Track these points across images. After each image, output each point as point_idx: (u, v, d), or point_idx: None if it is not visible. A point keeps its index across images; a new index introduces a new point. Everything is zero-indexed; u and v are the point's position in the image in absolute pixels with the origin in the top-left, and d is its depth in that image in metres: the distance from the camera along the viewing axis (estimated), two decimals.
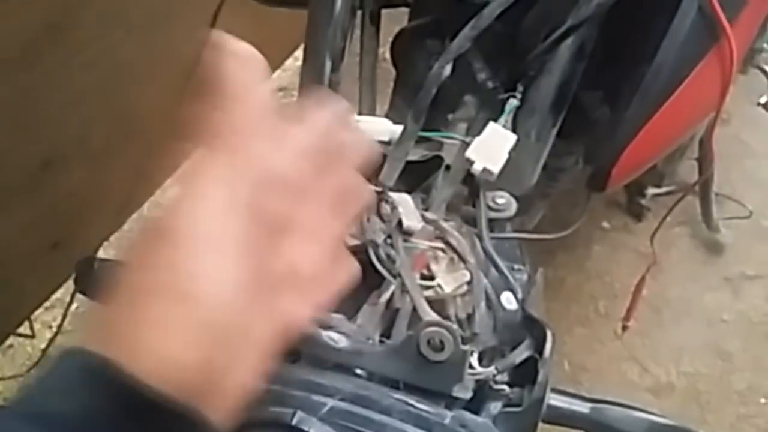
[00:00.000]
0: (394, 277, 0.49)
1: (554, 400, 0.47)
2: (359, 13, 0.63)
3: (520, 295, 0.55)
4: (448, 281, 0.51)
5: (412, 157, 0.56)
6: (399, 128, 0.54)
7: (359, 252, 0.49)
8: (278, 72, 1.50)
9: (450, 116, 0.65)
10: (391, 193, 0.53)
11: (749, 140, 1.45)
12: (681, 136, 0.69)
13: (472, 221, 0.59)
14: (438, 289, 0.50)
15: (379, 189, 0.53)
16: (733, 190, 1.34)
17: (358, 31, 0.65)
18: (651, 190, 1.27)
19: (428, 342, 0.45)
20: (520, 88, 0.60)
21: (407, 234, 0.52)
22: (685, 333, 1.24)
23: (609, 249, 1.33)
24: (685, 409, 1.17)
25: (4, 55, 0.87)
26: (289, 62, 1.49)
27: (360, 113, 0.64)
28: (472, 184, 0.59)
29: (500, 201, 0.61)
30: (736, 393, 1.19)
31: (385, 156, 0.54)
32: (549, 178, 0.81)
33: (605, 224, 1.36)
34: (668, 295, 1.27)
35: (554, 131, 0.65)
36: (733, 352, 1.23)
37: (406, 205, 0.53)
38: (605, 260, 1.32)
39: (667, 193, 1.29)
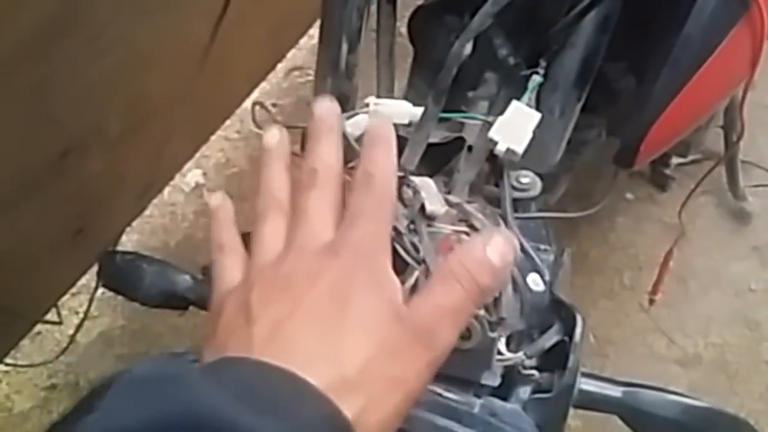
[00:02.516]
0: (419, 263, 0.48)
1: (585, 384, 0.46)
2: None
3: (547, 277, 0.54)
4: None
5: (433, 140, 0.55)
6: (419, 110, 0.53)
7: None
8: (293, 51, 1.48)
9: (471, 94, 0.64)
10: (412, 177, 0.52)
11: None
12: (711, 109, 0.67)
13: (495, 201, 0.58)
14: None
15: (400, 173, 0.52)
16: (759, 157, 1.32)
17: (374, 9, 0.63)
18: (675, 160, 1.25)
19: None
20: (543, 63, 0.59)
21: (430, 218, 0.51)
22: (712, 303, 1.23)
23: (633, 220, 1.31)
24: (713, 380, 1.16)
25: (18, 46, 0.87)
26: (303, 41, 1.48)
27: (378, 94, 0.63)
28: (495, 163, 0.58)
29: (524, 180, 0.59)
30: (764, 363, 1.18)
31: (405, 139, 0.53)
32: (571, 151, 0.79)
33: (629, 195, 1.34)
34: (694, 265, 1.25)
35: (579, 106, 0.64)
36: (762, 321, 1.21)
37: (428, 189, 0.52)
38: (629, 232, 1.30)
39: (692, 162, 1.26)
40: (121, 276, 0.51)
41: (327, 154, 0.36)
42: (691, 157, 1.25)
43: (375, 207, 0.34)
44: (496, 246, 0.33)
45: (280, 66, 1.49)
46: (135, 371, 0.27)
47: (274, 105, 1.50)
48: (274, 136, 0.39)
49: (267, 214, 0.36)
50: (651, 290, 1.04)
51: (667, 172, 1.29)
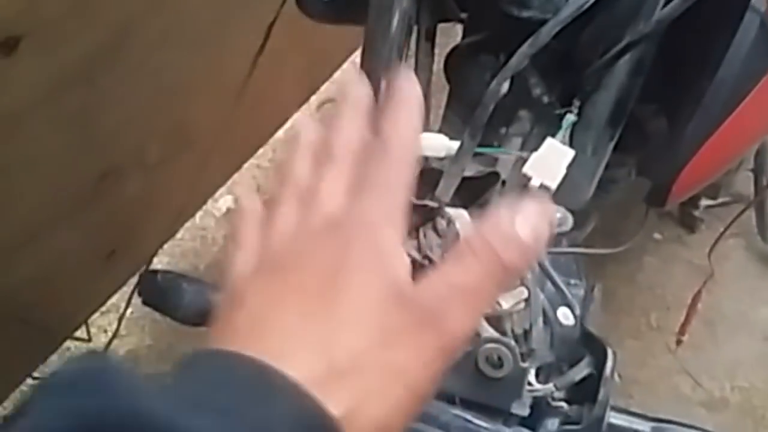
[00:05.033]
0: None
1: (614, 418, 0.47)
2: (415, 29, 0.64)
3: (577, 311, 0.55)
4: (506, 297, 0.51)
5: (468, 173, 0.56)
6: (455, 144, 0.54)
7: (416, 266, 0.49)
8: (326, 84, 1.51)
9: (504, 131, 0.66)
10: (447, 209, 0.54)
11: None
12: (742, 152, 0.67)
13: None
14: (496, 306, 0.50)
15: (435, 204, 0.53)
16: None
17: (413, 46, 0.66)
18: (705, 202, 1.25)
19: (486, 358, 0.45)
20: (577, 103, 0.60)
21: None
22: (739, 347, 1.22)
23: (661, 261, 1.31)
24: (739, 424, 1.15)
25: (66, 71, 0.91)
26: (337, 74, 1.51)
27: None
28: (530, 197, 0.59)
29: (557, 215, 0.61)
30: None
31: (441, 172, 0.55)
32: (601, 189, 0.80)
33: (657, 235, 1.34)
34: (722, 308, 1.24)
35: (611, 145, 0.65)
36: None
37: (462, 220, 0.53)
38: (657, 272, 1.30)
39: (722, 204, 1.26)
40: (162, 294, 0.53)
41: (346, 131, 0.33)
42: (720, 200, 1.25)
43: (388, 175, 0.30)
44: (528, 217, 0.27)
45: (313, 98, 1.52)
46: (63, 371, 0.23)
47: None
48: (305, 125, 0.35)
49: (283, 200, 0.32)
50: (678, 331, 1.04)
51: (696, 213, 1.29)
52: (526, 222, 0.27)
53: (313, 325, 0.26)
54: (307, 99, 1.51)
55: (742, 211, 0.80)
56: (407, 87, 0.33)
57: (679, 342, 1.10)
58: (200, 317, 0.52)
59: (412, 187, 0.30)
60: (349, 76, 0.35)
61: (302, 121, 0.36)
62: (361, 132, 0.32)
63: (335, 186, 0.31)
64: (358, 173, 0.31)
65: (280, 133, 1.46)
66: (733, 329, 1.23)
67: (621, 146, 0.68)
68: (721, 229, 1.11)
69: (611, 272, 1.26)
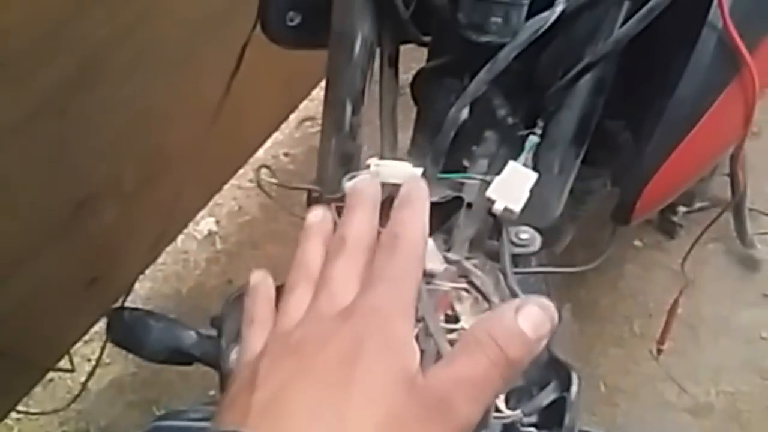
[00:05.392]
0: (418, 320, 0.49)
1: None
2: (378, 52, 0.64)
3: None
4: (469, 322, 0.51)
5: (432, 198, 0.56)
6: (419, 170, 0.55)
7: None
8: (305, 102, 1.52)
9: (472, 150, 0.66)
10: None
11: None
12: (706, 166, 0.68)
13: (496, 256, 0.59)
14: (462, 332, 0.50)
15: None
16: (766, 205, 1.32)
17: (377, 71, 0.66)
18: (683, 208, 1.26)
19: None
20: (541, 123, 0.61)
21: (430, 276, 0.52)
22: (722, 351, 1.22)
23: (642, 268, 1.32)
24: (725, 429, 1.15)
25: (37, 102, 0.90)
26: (315, 92, 1.51)
27: (382, 153, 0.65)
28: (496, 219, 0.59)
29: (524, 236, 0.61)
30: None
31: None
32: (577, 200, 0.81)
33: (637, 242, 1.35)
34: (704, 313, 1.25)
35: (577, 162, 0.65)
36: None
37: (427, 246, 0.53)
38: (638, 279, 1.30)
39: (700, 210, 1.27)
40: (129, 332, 0.53)
41: (359, 222, 0.35)
42: (698, 205, 1.26)
43: (397, 269, 0.32)
44: (530, 315, 0.30)
45: (292, 116, 1.52)
46: None
47: (286, 154, 1.53)
48: (317, 215, 0.38)
49: (296, 285, 0.34)
50: (658, 340, 1.04)
51: (675, 219, 1.30)
52: (528, 318, 0.30)
53: (327, 410, 0.27)
54: (286, 117, 1.51)
55: (715, 219, 0.81)
56: (416, 188, 0.37)
57: (659, 351, 1.10)
58: (167, 355, 0.52)
59: (421, 280, 0.34)
60: (362, 176, 0.39)
61: (315, 211, 0.38)
62: (372, 226, 0.35)
63: (347, 275, 0.33)
64: (369, 265, 0.33)
65: (260, 152, 1.46)
66: (715, 334, 1.24)
67: (593, 160, 0.68)
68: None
69: (593, 281, 1.27)
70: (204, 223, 1.41)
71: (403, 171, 0.55)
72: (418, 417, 0.28)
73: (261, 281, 0.38)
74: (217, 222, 1.43)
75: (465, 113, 0.54)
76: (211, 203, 1.39)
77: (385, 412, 0.28)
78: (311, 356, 0.29)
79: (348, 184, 0.42)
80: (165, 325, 0.52)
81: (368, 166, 0.55)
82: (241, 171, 1.43)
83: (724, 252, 1.32)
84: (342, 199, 0.53)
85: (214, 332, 0.51)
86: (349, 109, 0.60)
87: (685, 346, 1.21)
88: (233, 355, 0.54)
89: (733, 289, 1.29)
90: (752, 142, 1.34)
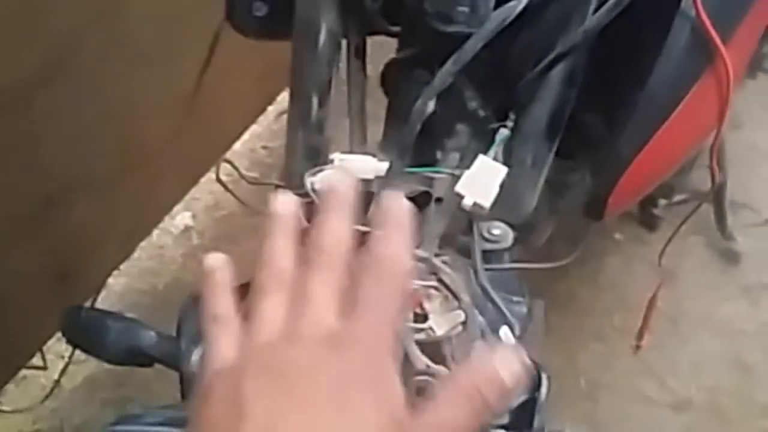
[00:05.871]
0: None
1: None
2: (344, 44, 0.63)
3: (517, 330, 0.54)
4: (440, 323, 0.49)
5: None
6: (384, 165, 0.53)
7: None
8: (283, 94, 1.49)
9: (443, 144, 0.64)
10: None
11: (763, 145, 1.42)
12: (679, 160, 0.67)
13: (467, 252, 0.58)
14: (430, 332, 0.49)
15: (366, 228, 0.52)
16: (747, 197, 1.32)
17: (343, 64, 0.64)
18: (663, 201, 1.25)
19: (418, 391, 0.44)
20: (512, 116, 0.59)
21: None
22: (703, 346, 1.22)
23: (622, 261, 1.31)
24: (706, 424, 1.15)
25: (4, 95, 0.88)
26: None
27: (351, 147, 0.63)
28: (467, 215, 0.58)
29: (496, 232, 0.59)
30: (758, 406, 1.16)
31: (372, 194, 0.53)
32: (555, 194, 0.79)
33: (618, 235, 1.34)
34: (684, 306, 1.24)
35: (550, 156, 0.64)
36: (754, 364, 1.20)
37: None
38: (619, 273, 1.29)
39: (680, 202, 1.26)
40: (86, 333, 0.51)
41: (337, 231, 0.34)
42: (678, 197, 1.25)
43: (383, 297, 0.32)
44: (509, 365, 0.31)
45: (270, 108, 1.50)
46: None
47: (264, 147, 1.51)
48: (286, 204, 0.36)
49: (267, 289, 0.33)
50: (637, 335, 1.03)
51: (656, 212, 1.29)
52: (505, 366, 0.31)
53: None
54: (263, 110, 1.49)
55: (695, 208, 0.80)
56: (397, 205, 0.34)
57: (638, 347, 1.09)
58: (125, 355, 0.51)
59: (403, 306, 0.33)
60: (339, 175, 0.36)
61: (282, 201, 0.36)
62: (350, 232, 0.34)
63: (327, 293, 0.32)
64: (346, 276, 0.33)
65: (237, 145, 1.44)
66: (696, 327, 1.23)
67: (569, 153, 0.67)
68: (682, 228, 1.10)
69: (573, 275, 1.26)
70: (180, 218, 1.39)
71: (368, 165, 0.54)
72: None
73: (219, 267, 0.36)
74: (194, 216, 1.41)
75: (432, 106, 0.53)
76: (187, 197, 1.37)
77: None
78: (302, 387, 0.29)
79: (323, 184, 0.39)
80: (124, 326, 0.51)
81: (332, 161, 0.54)
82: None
83: (704, 245, 1.32)
84: (307, 195, 0.52)
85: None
86: (315, 102, 0.59)
87: (665, 340, 1.21)
88: (195, 357, 0.52)
89: (713, 282, 1.28)
90: (734, 134, 1.34)
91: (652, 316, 1.03)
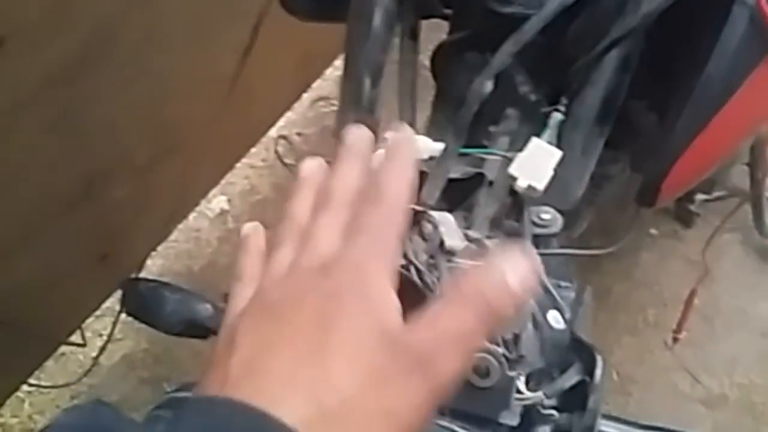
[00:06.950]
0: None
1: (605, 426, 0.46)
2: (398, 27, 0.63)
3: (568, 315, 0.54)
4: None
5: (453, 175, 0.55)
6: (439, 145, 0.53)
7: (401, 272, 0.48)
8: (318, 81, 1.50)
9: (492, 129, 0.64)
10: (432, 212, 0.53)
11: None
12: (733, 148, 0.66)
13: (517, 237, 0.58)
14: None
15: (420, 208, 0.52)
16: None
17: (397, 44, 0.64)
18: (700, 196, 1.24)
19: (473, 368, 0.44)
20: (564, 101, 0.59)
21: (450, 253, 0.51)
22: (738, 343, 1.21)
23: (657, 256, 1.30)
24: (738, 421, 1.14)
25: (46, 74, 0.89)
26: (329, 71, 1.50)
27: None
28: (517, 199, 0.58)
29: (545, 217, 0.59)
30: None
31: (425, 174, 0.54)
32: (595, 186, 0.79)
33: (653, 231, 1.33)
34: (720, 304, 1.23)
35: (601, 144, 0.64)
36: None
37: (447, 224, 0.52)
38: (653, 268, 1.29)
39: (717, 199, 1.25)
40: (144, 304, 0.52)
41: (346, 176, 0.34)
42: (716, 194, 1.24)
43: (379, 222, 0.31)
44: (517, 268, 0.29)
45: (305, 96, 1.51)
46: (59, 422, 0.24)
47: (299, 134, 1.51)
48: (311, 167, 0.36)
49: (282, 240, 0.33)
50: (675, 329, 1.03)
51: (692, 208, 1.28)
52: (515, 272, 0.29)
53: (304, 371, 0.27)
54: (299, 97, 1.49)
55: (737, 207, 0.79)
56: (402, 139, 0.35)
57: (675, 339, 1.08)
58: (183, 327, 0.51)
59: (404, 232, 0.32)
60: (352, 129, 0.36)
61: (308, 162, 0.37)
62: (360, 178, 0.34)
63: (330, 230, 0.32)
64: (352, 218, 0.32)
65: (272, 131, 1.45)
66: (731, 325, 1.22)
67: (613, 143, 0.66)
68: (717, 224, 1.09)
69: (607, 269, 1.25)
70: (216, 202, 1.41)
71: (423, 145, 0.54)
72: (401, 373, 0.27)
73: (252, 234, 0.37)
74: (229, 200, 1.42)
75: (489, 87, 0.53)
76: (223, 181, 1.38)
77: (366, 371, 0.27)
78: (288, 316, 0.29)
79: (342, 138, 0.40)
80: (181, 297, 0.51)
81: (385, 140, 0.54)
82: (253, 150, 1.41)
83: (741, 242, 1.30)
84: None
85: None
86: (367, 82, 0.59)
87: (699, 336, 1.20)
88: None
89: (750, 280, 1.27)
90: None
91: (689, 311, 1.02)
